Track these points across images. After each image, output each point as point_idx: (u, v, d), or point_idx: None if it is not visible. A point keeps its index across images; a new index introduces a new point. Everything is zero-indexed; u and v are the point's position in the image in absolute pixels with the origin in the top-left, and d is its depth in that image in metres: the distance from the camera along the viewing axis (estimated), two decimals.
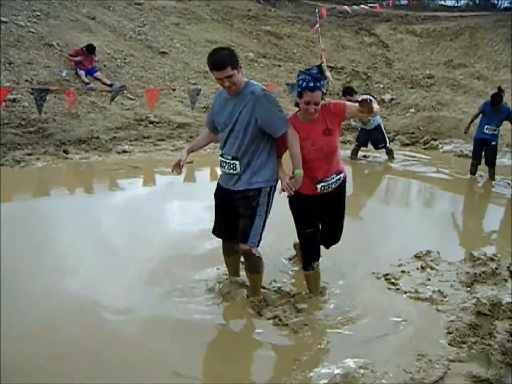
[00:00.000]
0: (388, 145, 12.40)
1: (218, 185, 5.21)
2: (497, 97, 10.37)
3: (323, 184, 4.94)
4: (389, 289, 5.73)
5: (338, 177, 5.01)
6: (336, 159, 4.99)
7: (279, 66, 18.77)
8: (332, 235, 5.44)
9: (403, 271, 6.10)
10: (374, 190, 10.30)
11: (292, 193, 4.66)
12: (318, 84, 4.58)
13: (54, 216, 8.02)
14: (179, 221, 7.68)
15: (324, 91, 4.71)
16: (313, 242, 5.18)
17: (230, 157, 4.87)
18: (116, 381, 4.06)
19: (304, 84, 4.59)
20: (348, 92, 11.70)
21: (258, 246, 5.04)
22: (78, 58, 14.46)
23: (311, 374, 4.21)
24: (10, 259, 6.13)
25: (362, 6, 19.49)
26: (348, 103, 4.81)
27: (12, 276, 5.70)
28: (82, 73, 14.43)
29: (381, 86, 18.20)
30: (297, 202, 5.06)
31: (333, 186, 5.01)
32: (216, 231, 5.38)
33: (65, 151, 11.53)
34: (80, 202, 8.93)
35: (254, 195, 4.90)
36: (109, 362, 4.35)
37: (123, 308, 5.17)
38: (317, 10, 18.44)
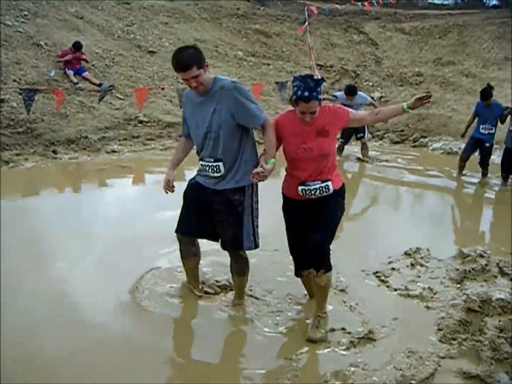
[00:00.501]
0: (365, 136, 12.14)
1: (194, 183, 4.97)
2: (486, 92, 10.36)
3: (304, 187, 4.65)
4: (379, 286, 5.74)
5: (323, 185, 4.63)
6: (328, 166, 4.65)
7: (268, 64, 18.80)
8: (310, 245, 4.60)
9: (393, 269, 6.11)
10: (362, 189, 10.31)
11: (257, 180, 4.42)
12: (314, 93, 4.33)
13: (42, 216, 7.97)
14: (170, 221, 7.64)
15: (321, 97, 4.46)
16: (296, 253, 4.91)
17: (212, 160, 4.68)
18: (115, 381, 4.06)
19: (299, 93, 4.35)
20: (351, 91, 11.50)
21: (258, 246, 4.96)
22: (67, 57, 14.41)
23: (302, 372, 4.20)
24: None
25: (352, 2, 19.48)
26: (352, 110, 4.73)
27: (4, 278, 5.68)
28: (70, 73, 14.37)
29: (370, 84, 18.25)
30: (284, 208, 4.93)
31: (317, 193, 4.64)
32: (181, 229, 5.07)
33: (54, 151, 11.49)
34: (69, 202, 8.90)
35: (239, 199, 4.74)
36: (106, 363, 4.34)
37: (114, 311, 5.13)
38: (306, 9, 18.46)
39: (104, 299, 5.30)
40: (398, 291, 5.59)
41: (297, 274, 5.05)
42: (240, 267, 5.10)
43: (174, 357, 4.48)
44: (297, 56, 19.70)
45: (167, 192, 4.98)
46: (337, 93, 11.96)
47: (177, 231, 5.09)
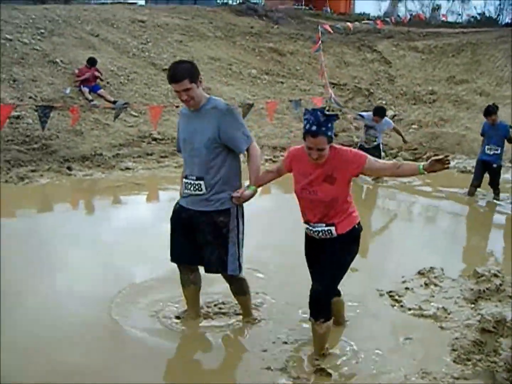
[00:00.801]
0: None
1: (178, 208, 4.94)
2: (488, 108, 10.34)
3: (308, 227, 4.55)
4: (393, 306, 5.72)
5: (326, 229, 4.41)
6: (336, 210, 4.39)
7: (282, 82, 18.85)
8: (312, 289, 4.49)
9: (406, 288, 6.09)
10: (375, 207, 10.30)
11: (235, 203, 4.63)
12: (322, 128, 4.10)
13: (56, 232, 8.03)
14: None
15: (332, 135, 4.22)
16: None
17: (194, 177, 4.68)
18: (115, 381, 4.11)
19: (307, 127, 4.14)
20: (380, 113, 11.29)
21: (240, 271, 4.90)
22: (85, 76, 14.55)
23: None
24: (12, 273, 6.17)
25: (364, 22, 19.55)
26: (370, 156, 4.32)
27: (13, 290, 5.74)
28: (85, 90, 14.50)
29: (384, 102, 18.25)
30: (305, 236, 4.77)
31: (320, 235, 4.46)
32: (175, 257, 5.03)
33: (69, 168, 11.55)
34: (83, 218, 8.97)
35: (224, 221, 4.70)
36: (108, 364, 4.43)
37: (117, 323, 5.18)
38: (319, 27, 18.53)
39: (105, 312, 5.34)
40: (412, 311, 5.57)
41: None
42: (238, 288, 5.09)
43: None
44: (310, 75, 19.74)
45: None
46: (364, 113, 11.81)
47: (172, 259, 5.05)
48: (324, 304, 4.42)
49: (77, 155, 12.07)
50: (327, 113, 4.15)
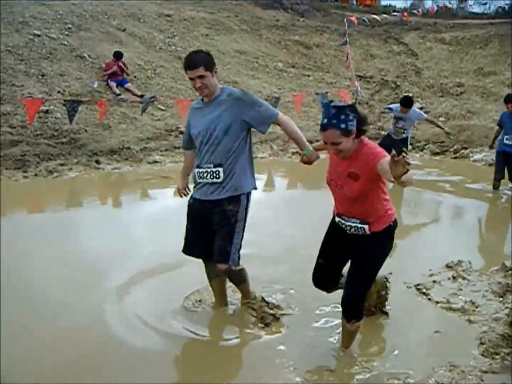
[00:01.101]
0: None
1: (192, 202, 4.97)
2: (509, 95, 10.22)
3: (340, 220, 4.37)
4: (421, 299, 5.71)
5: (359, 226, 4.23)
6: (368, 209, 4.19)
7: (308, 76, 18.84)
8: (345, 290, 4.44)
9: (434, 281, 6.07)
10: (402, 201, 10.25)
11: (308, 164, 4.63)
12: (333, 121, 3.92)
13: (85, 225, 8.12)
14: None
15: (350, 127, 3.95)
16: (319, 274, 4.67)
17: (212, 165, 4.69)
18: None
19: (321, 120, 4.04)
20: (406, 103, 10.97)
21: (238, 264, 4.90)
22: (112, 69, 14.67)
23: (342, 382, 4.21)
24: (40, 266, 6.32)
25: (390, 14, 19.45)
26: (384, 159, 3.86)
27: (39, 283, 5.88)
28: (113, 84, 14.63)
29: (411, 95, 18.12)
30: (329, 226, 4.66)
31: (352, 231, 4.30)
32: (191, 251, 5.06)
33: (97, 162, 11.66)
34: (111, 212, 9.07)
35: (233, 210, 4.71)
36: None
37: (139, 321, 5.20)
38: (345, 20, 18.47)
39: (126, 308, 5.39)
40: (439, 304, 5.55)
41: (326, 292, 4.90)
42: (237, 279, 5.09)
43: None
44: (337, 67, 19.71)
45: (181, 196, 5.27)
46: (392, 106, 11.49)
47: (183, 251, 5.08)
48: (358, 307, 4.41)
49: (105, 148, 12.17)
50: (338, 104, 3.99)
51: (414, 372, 4.31)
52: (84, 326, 5.03)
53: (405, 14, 22.66)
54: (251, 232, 5.08)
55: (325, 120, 3.96)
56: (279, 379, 4.24)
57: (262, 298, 5.33)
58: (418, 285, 5.97)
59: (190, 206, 5.00)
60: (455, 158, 14.12)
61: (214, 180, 4.71)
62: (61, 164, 11.30)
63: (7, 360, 4.31)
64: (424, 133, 15.27)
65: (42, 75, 14.04)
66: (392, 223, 4.32)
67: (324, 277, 4.68)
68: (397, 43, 21.80)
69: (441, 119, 16.29)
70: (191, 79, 4.58)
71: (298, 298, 5.54)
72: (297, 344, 4.74)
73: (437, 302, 5.59)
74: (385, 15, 23.43)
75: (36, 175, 10.75)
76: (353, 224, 4.26)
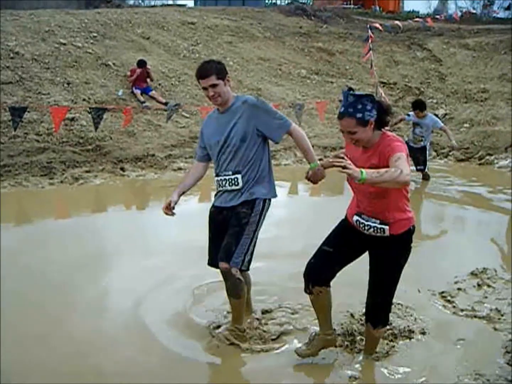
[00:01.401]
0: (426, 169, 11.58)
1: (212, 211, 4.96)
2: None
3: (359, 219, 4.21)
4: (445, 306, 5.68)
5: (379, 226, 4.11)
6: (388, 208, 4.08)
7: (332, 82, 18.84)
8: (369, 298, 4.40)
9: (459, 289, 6.04)
10: (427, 207, 10.20)
11: (313, 183, 4.47)
12: (349, 110, 3.87)
13: (110, 232, 8.20)
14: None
15: (368, 117, 3.88)
16: (320, 261, 4.35)
17: (230, 172, 4.70)
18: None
19: (340, 108, 3.99)
20: (417, 105, 11.02)
21: (247, 269, 4.78)
22: (137, 73, 14.80)
23: None
24: (66, 272, 6.41)
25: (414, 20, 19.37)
26: (396, 154, 3.80)
27: (59, 287, 6.01)
28: (137, 92, 14.76)
29: (435, 101, 18.09)
30: (340, 224, 4.50)
31: (370, 231, 4.16)
32: (212, 262, 4.97)
33: (122, 169, 11.76)
34: (137, 218, 9.14)
35: (246, 212, 4.66)
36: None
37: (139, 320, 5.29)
38: (368, 26, 18.46)
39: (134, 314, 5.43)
40: (464, 312, 5.52)
41: (307, 290, 4.42)
42: (231, 287, 4.73)
43: None
44: (360, 74, 19.69)
45: (166, 214, 4.85)
46: (411, 112, 11.48)
47: (209, 264, 5.03)
48: (385, 314, 4.39)
49: (130, 156, 12.27)
50: (357, 93, 3.96)
51: (438, 381, 4.30)
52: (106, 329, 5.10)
53: (429, 19, 22.55)
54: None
55: (342, 109, 3.93)
56: None
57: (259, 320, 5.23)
58: (442, 292, 5.94)
59: (210, 215, 5.00)
60: (480, 164, 13.99)
61: (233, 187, 4.72)
62: (87, 171, 11.43)
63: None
64: (448, 139, 15.15)
65: (68, 83, 14.23)
66: (411, 228, 4.21)
67: (322, 266, 4.33)
68: (420, 49, 21.73)
69: (465, 125, 16.22)
70: (204, 88, 4.61)
71: None
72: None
73: (462, 310, 5.56)
74: (409, 21, 23.37)
75: (62, 182, 10.89)
76: (373, 224, 4.14)
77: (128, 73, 15.15)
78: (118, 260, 6.93)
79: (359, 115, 3.86)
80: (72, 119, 12.81)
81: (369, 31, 17.67)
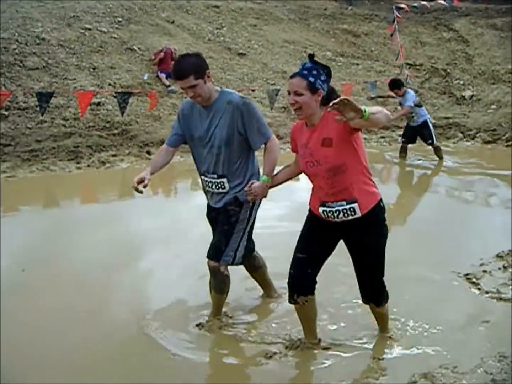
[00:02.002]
0: (435, 142, 11.47)
1: (208, 207, 4.83)
2: None
3: (325, 209, 4.02)
4: (470, 288, 5.65)
5: (347, 207, 3.93)
6: (351, 182, 3.92)
7: (357, 64, 18.73)
8: (361, 282, 4.29)
9: (484, 271, 5.99)
10: (452, 189, 10.12)
11: (250, 199, 4.28)
12: (304, 72, 3.82)
13: (136, 215, 8.26)
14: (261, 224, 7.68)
15: (319, 87, 3.81)
16: (299, 270, 4.20)
17: (215, 175, 4.51)
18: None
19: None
20: (395, 85, 11.03)
21: (241, 263, 4.77)
22: (160, 55, 14.87)
23: (390, 372, 4.22)
24: (89, 255, 6.49)
25: (440, 1, 19.10)
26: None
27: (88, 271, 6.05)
28: (163, 75, 14.82)
29: (461, 82, 17.90)
30: (306, 222, 4.32)
31: (340, 216, 3.97)
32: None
33: (148, 152, 11.85)
34: (163, 202, 9.20)
35: (235, 209, 4.55)
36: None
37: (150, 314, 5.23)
38: (394, 7, 18.29)
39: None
40: (489, 294, 5.48)
41: (292, 300, 4.29)
42: (219, 284, 4.72)
43: None
44: (386, 56, 19.54)
45: (136, 190, 4.29)
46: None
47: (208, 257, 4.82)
48: (382, 292, 4.33)
49: (156, 139, 12.34)
50: (317, 61, 3.89)
51: (462, 362, 4.29)
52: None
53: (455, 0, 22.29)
54: None
55: (297, 70, 3.88)
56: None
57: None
58: (467, 274, 5.90)
59: (207, 212, 4.88)
60: (507, 146, 13.82)
61: (220, 190, 4.56)
62: (113, 155, 11.56)
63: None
64: (475, 121, 15.05)
65: (94, 68, 14.35)
66: (380, 203, 4.07)
67: (301, 275, 4.20)
68: (447, 30, 21.47)
69: (492, 106, 16.04)
70: (182, 88, 4.36)
71: None
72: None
73: (487, 292, 5.52)
74: (435, 1, 23.09)
75: (88, 166, 11.04)
76: (341, 208, 3.95)
77: (153, 57, 15.21)
78: (145, 245, 6.95)
79: (311, 79, 3.80)
80: (98, 103, 12.93)
81: (395, 12, 17.48)
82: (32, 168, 10.73)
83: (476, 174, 10.97)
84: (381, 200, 4.07)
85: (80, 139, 11.81)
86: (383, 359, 4.37)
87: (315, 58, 3.90)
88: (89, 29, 15.81)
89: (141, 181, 4.31)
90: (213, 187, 4.57)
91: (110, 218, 8.10)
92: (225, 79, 15.57)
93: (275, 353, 4.45)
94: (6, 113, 12.17)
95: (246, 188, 4.22)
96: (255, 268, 5.17)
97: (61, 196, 9.72)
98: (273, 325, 4.94)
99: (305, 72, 3.81)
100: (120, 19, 16.90)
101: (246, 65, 16.68)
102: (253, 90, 14.41)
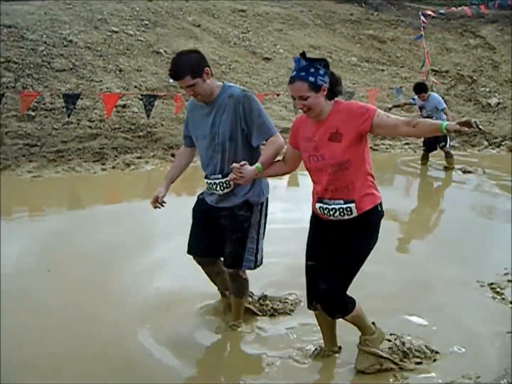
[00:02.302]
0: (447, 146, 11.31)
1: (200, 200, 4.71)
2: None
3: (322, 205, 3.90)
4: (494, 298, 5.62)
5: (345, 206, 3.81)
6: (351, 181, 3.81)
7: (382, 70, 18.68)
8: (322, 282, 4.00)
9: (509, 280, 5.95)
10: (475, 198, 10.03)
11: (233, 177, 3.92)
12: (301, 73, 3.62)
13: (159, 217, 8.28)
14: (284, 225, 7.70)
15: (321, 83, 3.65)
16: (312, 278, 4.12)
17: (220, 176, 4.37)
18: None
19: (291, 73, 3.74)
20: (422, 88, 10.92)
21: (259, 265, 4.67)
22: None
23: (411, 380, 4.17)
24: (110, 256, 6.56)
25: (465, 7, 19.00)
26: (381, 112, 3.71)
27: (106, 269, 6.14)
28: None
29: (487, 89, 17.79)
30: (310, 222, 4.21)
31: (336, 214, 3.86)
32: (193, 250, 4.79)
33: (173, 155, 11.87)
34: (185, 204, 9.16)
35: (245, 215, 4.43)
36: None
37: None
38: (420, 13, 18.22)
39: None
40: None
41: (310, 306, 4.24)
42: (238, 288, 4.73)
43: None
44: (411, 62, 19.45)
45: (155, 207, 4.60)
46: (414, 97, 11.36)
47: (189, 251, 4.83)
48: (339, 301, 4.00)
49: (180, 142, 12.35)
50: (311, 57, 3.69)
51: (485, 372, 4.25)
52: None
53: (482, 6, 22.12)
54: None
55: (294, 73, 3.67)
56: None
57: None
58: (492, 284, 5.86)
59: (197, 203, 4.78)
60: None
61: (225, 190, 4.41)
62: (138, 157, 11.63)
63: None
64: (500, 129, 14.96)
65: (120, 71, 14.45)
66: (379, 207, 3.92)
67: (315, 283, 4.08)
68: (473, 37, 21.34)
69: None
70: (181, 87, 4.33)
71: None
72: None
73: (511, 302, 5.48)
74: (461, 8, 22.95)
75: (113, 167, 11.12)
76: (337, 206, 3.82)
77: None
78: (167, 245, 6.95)
79: (311, 78, 3.62)
80: (124, 106, 13.03)
81: (421, 17, 17.41)
82: (58, 168, 10.84)
83: (501, 181, 10.87)
84: (380, 204, 3.94)
85: (106, 140, 11.91)
86: (403, 368, 4.31)
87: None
88: (116, 32, 15.94)
89: (156, 199, 4.53)
90: (218, 188, 4.42)
91: (134, 219, 8.13)
92: (250, 83, 15.60)
93: (296, 360, 4.44)
94: (33, 113, 12.31)
95: (236, 165, 3.88)
96: (218, 273, 4.95)
97: (86, 197, 9.79)
98: (294, 332, 4.91)
99: (303, 73, 3.62)
100: (146, 22, 17.02)
101: (271, 69, 16.71)
102: (278, 95, 14.43)
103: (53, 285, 5.78)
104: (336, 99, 3.82)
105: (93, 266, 6.25)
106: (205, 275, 5.01)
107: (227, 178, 4.23)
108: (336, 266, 3.93)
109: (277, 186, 9.77)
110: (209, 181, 4.46)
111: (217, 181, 4.39)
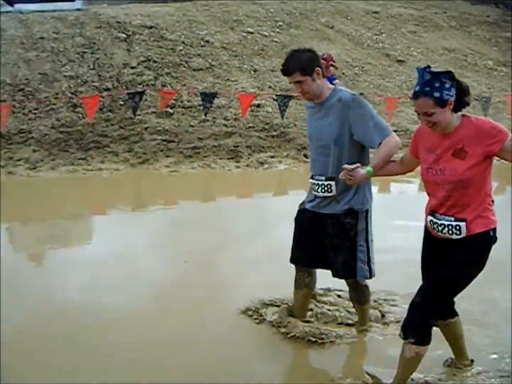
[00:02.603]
0: None
1: (302, 210, 4.63)
2: None
3: (432, 218, 3.71)
4: None
5: (454, 224, 3.58)
6: (468, 200, 3.56)
7: None
8: (415, 296, 3.78)
9: None
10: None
11: (341, 177, 3.87)
12: (426, 88, 3.42)
13: (287, 215, 8.36)
14: None
15: (447, 97, 3.44)
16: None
17: (323, 178, 4.31)
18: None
19: (415, 87, 3.57)
20: None
21: (373, 275, 4.53)
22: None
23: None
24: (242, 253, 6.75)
25: None
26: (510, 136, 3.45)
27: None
28: None
29: None
30: (423, 240, 3.99)
31: (444, 231, 3.65)
32: (295, 259, 4.73)
33: (305, 155, 11.96)
34: None
35: (351, 222, 4.33)
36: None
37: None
38: None
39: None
40: None
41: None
42: (360, 296, 4.71)
43: None
44: None
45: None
46: None
47: (291, 260, 4.76)
48: (419, 321, 3.70)
49: None
50: (434, 70, 3.46)
51: None
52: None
53: None
54: None
55: (417, 87, 3.47)
56: None
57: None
58: None
59: (299, 212, 4.69)
60: None
61: (326, 194, 4.35)
62: (271, 156, 11.78)
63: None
64: None
65: (255, 71, 14.71)
66: (491, 232, 3.63)
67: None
68: None
69: None
70: (289, 83, 4.36)
71: None
72: None
73: None
74: None
75: (247, 165, 11.33)
76: (447, 223, 3.61)
77: None
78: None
79: (436, 94, 3.40)
80: (258, 105, 13.23)
81: None
82: (194, 164, 11.23)
83: None
84: (494, 229, 3.64)
85: (240, 139, 12.15)
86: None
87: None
88: (251, 33, 16.24)
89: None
90: (319, 190, 4.36)
91: (263, 215, 8.43)
92: (383, 86, 15.47)
93: None
94: (171, 111, 12.77)
95: (348, 167, 3.83)
96: (308, 286, 4.89)
97: (220, 193, 10.09)
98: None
99: (427, 88, 3.42)
100: (281, 23, 17.23)
101: (405, 72, 16.45)
102: (411, 98, 14.17)
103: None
104: (466, 114, 3.62)
105: (227, 259, 6.57)
106: None
107: (330, 182, 4.27)
108: (433, 284, 3.73)
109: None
110: (312, 181, 4.45)
111: (319, 183, 4.36)
